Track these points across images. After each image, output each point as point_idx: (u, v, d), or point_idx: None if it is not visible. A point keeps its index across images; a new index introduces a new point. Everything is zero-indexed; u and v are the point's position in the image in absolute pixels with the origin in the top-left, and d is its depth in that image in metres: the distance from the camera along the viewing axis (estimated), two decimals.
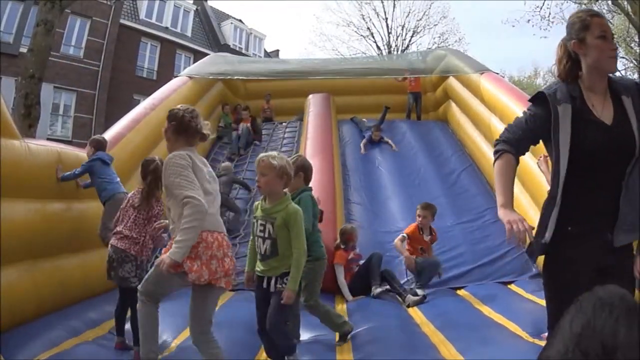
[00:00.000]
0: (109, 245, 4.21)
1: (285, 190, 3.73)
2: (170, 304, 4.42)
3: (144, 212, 4.24)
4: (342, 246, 6.51)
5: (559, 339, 0.90)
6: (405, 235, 6.42)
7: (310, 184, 4.64)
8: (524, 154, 2.52)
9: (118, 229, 4.21)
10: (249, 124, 12.17)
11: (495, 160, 2.49)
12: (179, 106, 3.40)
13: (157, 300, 3.38)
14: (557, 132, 2.32)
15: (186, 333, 4.45)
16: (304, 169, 4.47)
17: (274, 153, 3.70)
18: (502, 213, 2.32)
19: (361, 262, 6.56)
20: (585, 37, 2.36)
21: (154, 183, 4.20)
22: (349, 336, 4.50)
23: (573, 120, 2.31)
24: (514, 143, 2.46)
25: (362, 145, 11.03)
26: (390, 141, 11.11)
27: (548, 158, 4.59)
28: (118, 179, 5.66)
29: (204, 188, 3.17)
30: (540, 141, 2.49)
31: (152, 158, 4.42)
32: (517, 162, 2.47)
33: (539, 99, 2.45)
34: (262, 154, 3.70)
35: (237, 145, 11.70)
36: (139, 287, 3.40)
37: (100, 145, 5.82)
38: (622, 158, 2.29)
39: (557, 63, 2.53)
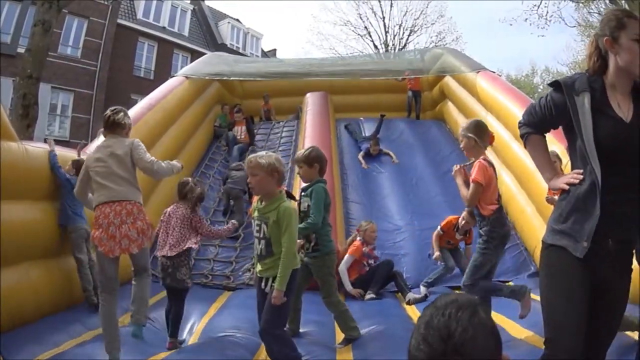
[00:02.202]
0: (161, 257, 4.64)
1: (281, 189, 3.70)
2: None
3: (189, 224, 4.72)
4: (359, 238, 6.64)
5: (415, 335, 1.23)
6: (441, 231, 6.52)
7: None
8: (547, 132, 2.59)
9: (168, 241, 4.64)
10: (242, 127, 11.81)
11: (525, 144, 2.60)
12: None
13: (112, 290, 3.82)
14: (579, 124, 2.28)
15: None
16: (319, 160, 4.43)
17: (262, 152, 3.70)
18: (554, 183, 2.46)
19: (374, 263, 6.67)
20: (620, 36, 2.29)
21: (195, 200, 4.83)
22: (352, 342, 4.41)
23: (592, 112, 2.26)
24: (535, 125, 2.53)
25: (361, 159, 10.63)
26: (390, 152, 10.77)
27: (465, 168, 4.55)
28: (82, 210, 5.43)
29: (95, 171, 3.85)
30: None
31: (186, 180, 5.04)
32: (544, 136, 2.58)
33: (557, 87, 2.42)
34: (250, 155, 3.76)
35: (232, 150, 11.26)
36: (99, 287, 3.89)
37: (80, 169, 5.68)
38: (638, 159, 2.22)
39: (587, 59, 2.48)
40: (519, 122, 2.63)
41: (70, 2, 14.40)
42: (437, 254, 6.41)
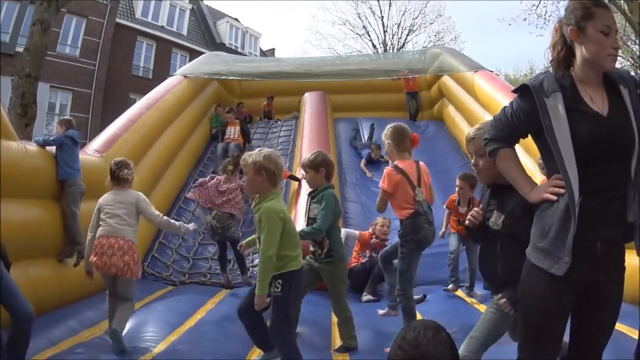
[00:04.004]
0: (212, 220, 6.68)
1: (278, 188, 3.62)
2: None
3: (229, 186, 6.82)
4: (370, 230, 6.83)
5: (394, 345, 1.74)
6: (447, 209, 6.43)
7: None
8: (516, 143, 2.40)
9: (217, 199, 6.75)
10: (235, 127, 11.58)
11: (494, 160, 2.39)
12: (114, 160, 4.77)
13: (113, 294, 4.51)
14: (551, 127, 2.11)
15: (176, 333, 4.50)
16: (326, 165, 4.33)
17: (256, 150, 3.57)
18: (534, 195, 2.23)
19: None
20: (586, 27, 2.12)
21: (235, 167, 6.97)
22: (347, 352, 4.35)
23: (566, 112, 2.10)
24: (504, 139, 2.33)
25: (363, 167, 10.48)
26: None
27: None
28: (79, 165, 5.72)
29: (104, 211, 4.47)
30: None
31: (228, 160, 7.33)
32: (514, 148, 2.38)
33: (524, 91, 2.25)
34: (244, 154, 3.67)
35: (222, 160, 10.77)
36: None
37: (71, 125, 5.92)
38: (620, 154, 2.08)
39: (551, 48, 2.29)
40: (484, 139, 2.42)
41: (69, 2, 14.38)
42: (442, 230, 6.32)
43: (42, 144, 5.48)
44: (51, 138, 5.62)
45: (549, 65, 2.33)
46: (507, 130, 2.32)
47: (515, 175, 2.34)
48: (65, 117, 6.19)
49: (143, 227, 5.26)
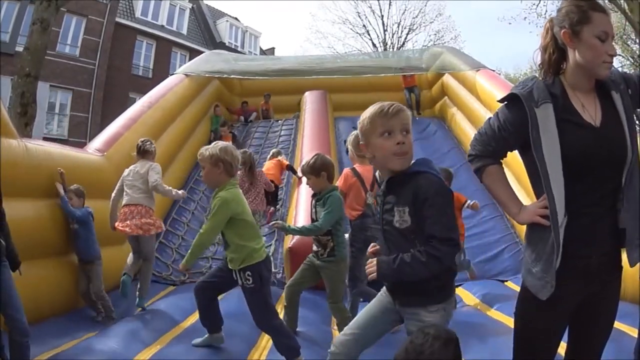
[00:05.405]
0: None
1: (234, 178, 3.67)
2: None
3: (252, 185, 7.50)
4: None
5: (402, 346, 1.87)
6: None
7: None
8: (504, 158, 2.26)
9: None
10: (229, 142, 11.51)
11: (481, 178, 2.25)
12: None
13: (142, 256, 5.44)
14: (538, 141, 1.99)
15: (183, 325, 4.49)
16: (326, 168, 4.26)
17: (211, 144, 3.72)
18: (523, 217, 2.12)
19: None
20: (581, 31, 1.98)
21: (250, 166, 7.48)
22: None
23: (556, 124, 1.98)
24: (489, 155, 2.21)
25: None
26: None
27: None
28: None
29: (125, 183, 5.49)
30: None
31: (244, 150, 7.70)
32: (501, 165, 2.25)
33: (512, 101, 2.10)
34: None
35: None
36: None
37: (84, 196, 5.46)
38: (613, 165, 1.98)
39: (541, 50, 2.15)
40: (469, 155, 2.28)
41: (69, 1, 14.38)
42: None
43: (68, 213, 5.20)
44: (77, 212, 5.21)
45: (536, 55, 2.20)
46: (494, 145, 2.18)
47: (502, 194, 2.22)
48: (78, 187, 5.43)
49: None
